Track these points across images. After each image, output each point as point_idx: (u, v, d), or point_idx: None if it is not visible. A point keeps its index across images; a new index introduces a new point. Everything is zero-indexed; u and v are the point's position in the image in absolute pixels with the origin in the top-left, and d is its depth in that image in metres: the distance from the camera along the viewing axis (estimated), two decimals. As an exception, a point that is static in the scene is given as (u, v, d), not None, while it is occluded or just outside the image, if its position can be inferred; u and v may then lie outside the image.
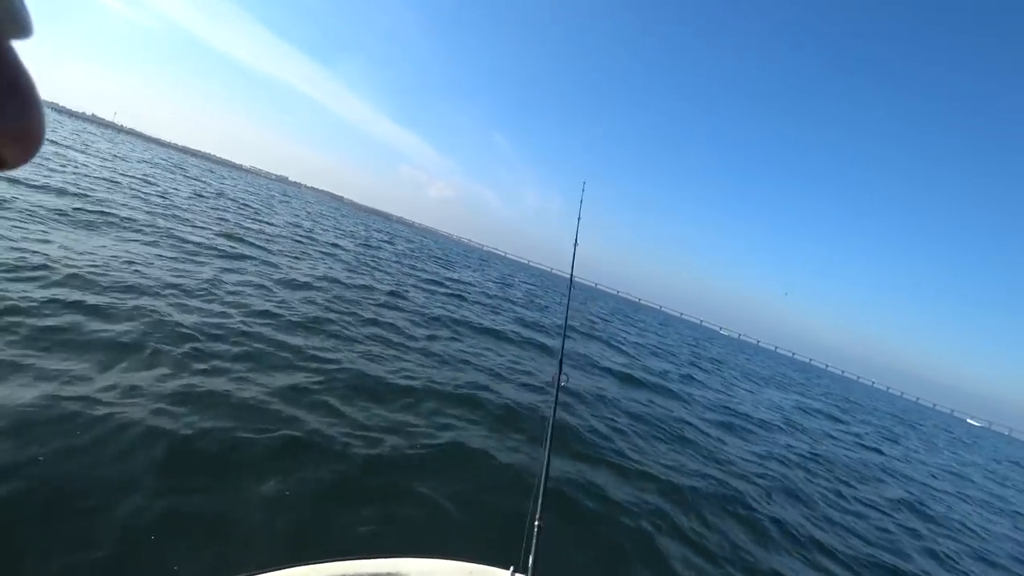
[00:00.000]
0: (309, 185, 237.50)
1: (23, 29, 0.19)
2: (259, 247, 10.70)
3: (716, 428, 7.72)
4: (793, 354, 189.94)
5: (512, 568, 1.59)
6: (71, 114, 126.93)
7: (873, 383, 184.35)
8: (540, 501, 1.70)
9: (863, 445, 11.53)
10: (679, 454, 5.72)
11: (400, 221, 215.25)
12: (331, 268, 11.09)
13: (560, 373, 2.61)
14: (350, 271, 11.70)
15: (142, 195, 12.72)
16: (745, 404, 11.24)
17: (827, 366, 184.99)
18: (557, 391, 2.45)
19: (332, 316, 6.72)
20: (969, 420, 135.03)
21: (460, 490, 3.29)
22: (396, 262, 17.70)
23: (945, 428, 38.09)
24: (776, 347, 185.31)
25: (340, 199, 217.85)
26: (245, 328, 5.05)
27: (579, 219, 4.39)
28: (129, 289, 5.14)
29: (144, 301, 4.91)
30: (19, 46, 0.20)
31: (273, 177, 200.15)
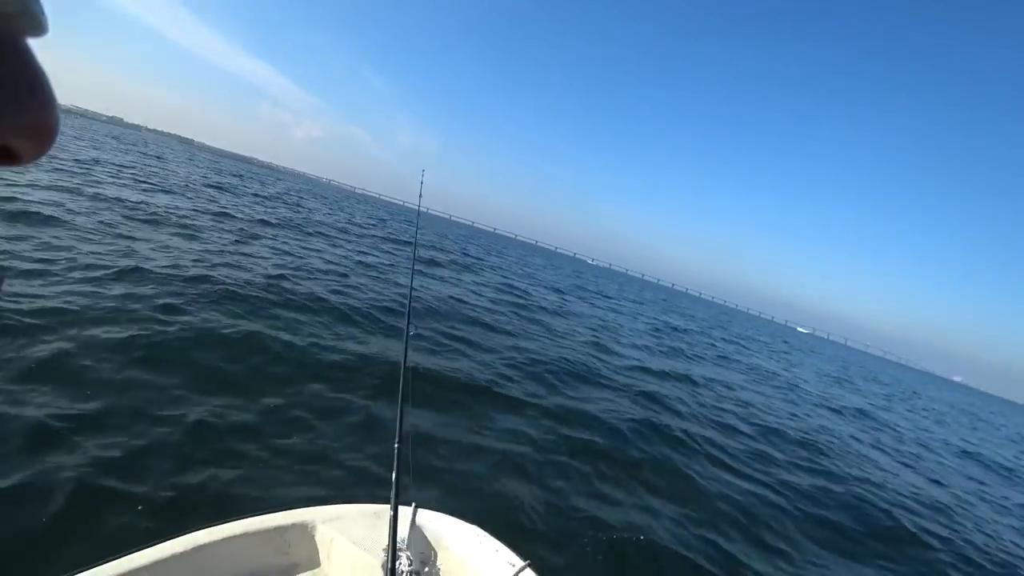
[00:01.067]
0: (151, 128, 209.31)
1: (38, 26, 0.20)
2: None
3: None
4: (643, 276, 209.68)
5: (414, 504, 1.67)
6: None
7: (725, 303, 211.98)
8: (400, 424, 1.75)
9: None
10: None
11: (265, 166, 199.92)
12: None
13: (409, 315, 2.52)
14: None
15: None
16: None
17: (684, 289, 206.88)
18: (408, 330, 2.37)
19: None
20: (799, 328, 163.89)
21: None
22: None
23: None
24: (644, 275, 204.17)
25: (190, 142, 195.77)
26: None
27: (420, 196, 4.56)
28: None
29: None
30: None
31: (103, 119, 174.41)
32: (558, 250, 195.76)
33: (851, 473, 6.11)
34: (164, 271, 5.96)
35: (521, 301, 12.84)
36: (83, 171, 13.43)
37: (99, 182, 11.96)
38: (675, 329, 19.49)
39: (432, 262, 15.83)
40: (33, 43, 0.21)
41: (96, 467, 2.65)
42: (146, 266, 5.92)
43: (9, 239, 5.88)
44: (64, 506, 2.30)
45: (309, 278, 7.99)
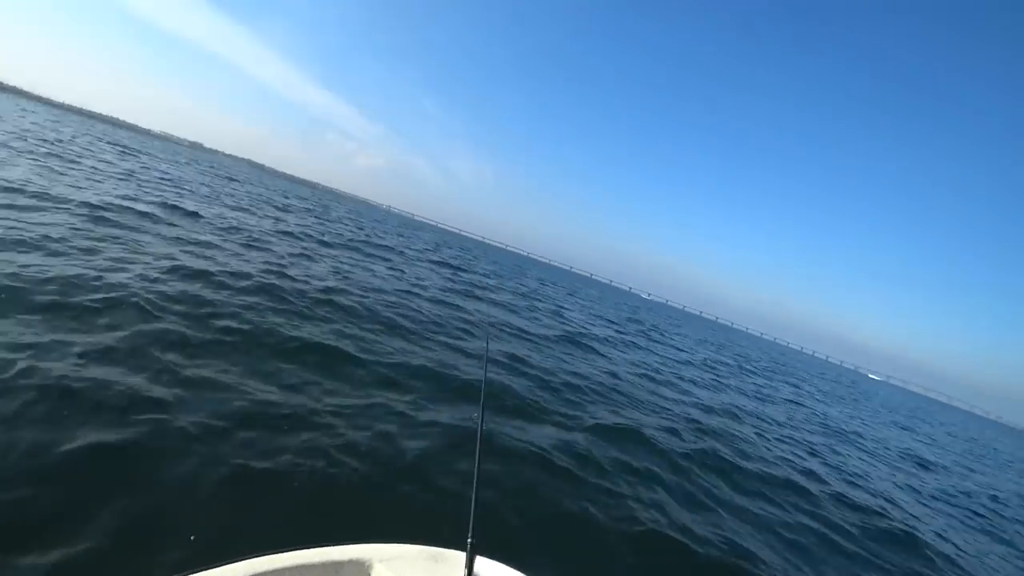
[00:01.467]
0: (227, 152, 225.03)
1: None
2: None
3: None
4: (702, 313, 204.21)
5: (469, 548, 1.65)
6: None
7: (776, 339, 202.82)
8: (477, 478, 1.77)
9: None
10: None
11: (327, 190, 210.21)
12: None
13: (487, 355, 2.60)
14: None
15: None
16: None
17: (746, 328, 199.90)
18: (486, 371, 2.44)
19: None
20: (871, 375, 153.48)
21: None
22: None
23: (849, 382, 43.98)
24: (685, 307, 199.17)
25: (260, 167, 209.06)
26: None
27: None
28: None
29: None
30: None
31: (186, 144, 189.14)
32: (613, 283, 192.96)
33: None
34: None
35: (591, 341, 11.64)
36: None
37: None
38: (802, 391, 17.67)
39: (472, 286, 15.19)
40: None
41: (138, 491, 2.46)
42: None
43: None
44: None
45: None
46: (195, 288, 5.54)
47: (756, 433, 7.87)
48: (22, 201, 7.19)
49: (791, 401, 14.12)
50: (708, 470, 5.31)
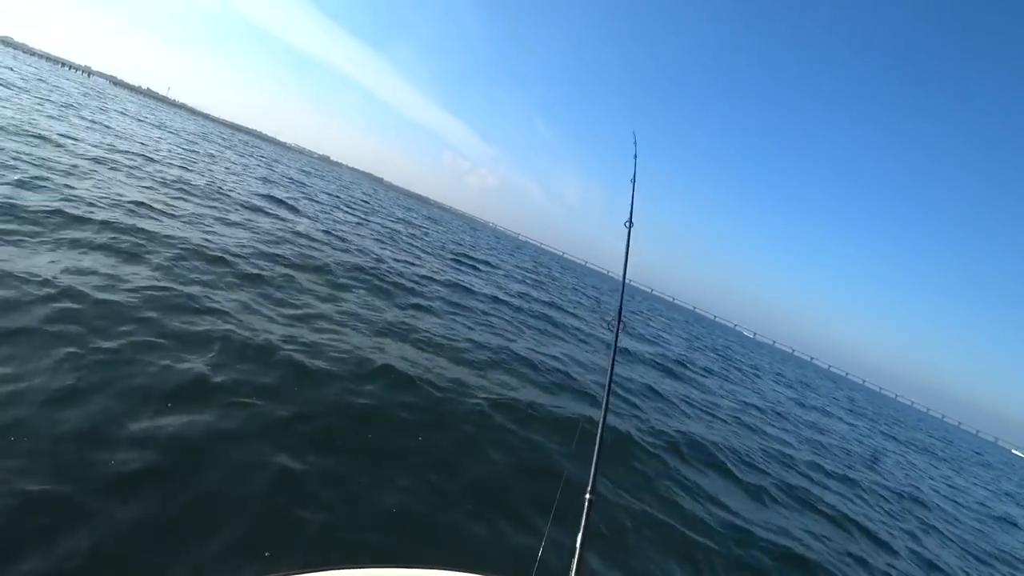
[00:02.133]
0: (350, 166, 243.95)
1: None
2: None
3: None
4: (847, 374, 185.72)
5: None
6: (130, 87, 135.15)
7: (913, 403, 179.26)
8: (593, 475, 1.66)
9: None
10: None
11: (439, 206, 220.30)
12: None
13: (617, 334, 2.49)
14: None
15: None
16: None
17: (864, 381, 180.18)
18: (615, 353, 2.37)
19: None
20: (1015, 451, 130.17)
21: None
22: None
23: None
24: (816, 360, 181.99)
25: (380, 181, 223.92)
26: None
27: (634, 182, 3.46)
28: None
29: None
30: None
31: (316, 156, 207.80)
32: (717, 319, 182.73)
33: None
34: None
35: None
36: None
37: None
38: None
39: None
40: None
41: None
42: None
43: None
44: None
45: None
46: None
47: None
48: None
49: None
50: None
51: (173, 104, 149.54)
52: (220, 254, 6.48)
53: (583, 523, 1.47)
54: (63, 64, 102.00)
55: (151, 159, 12.85)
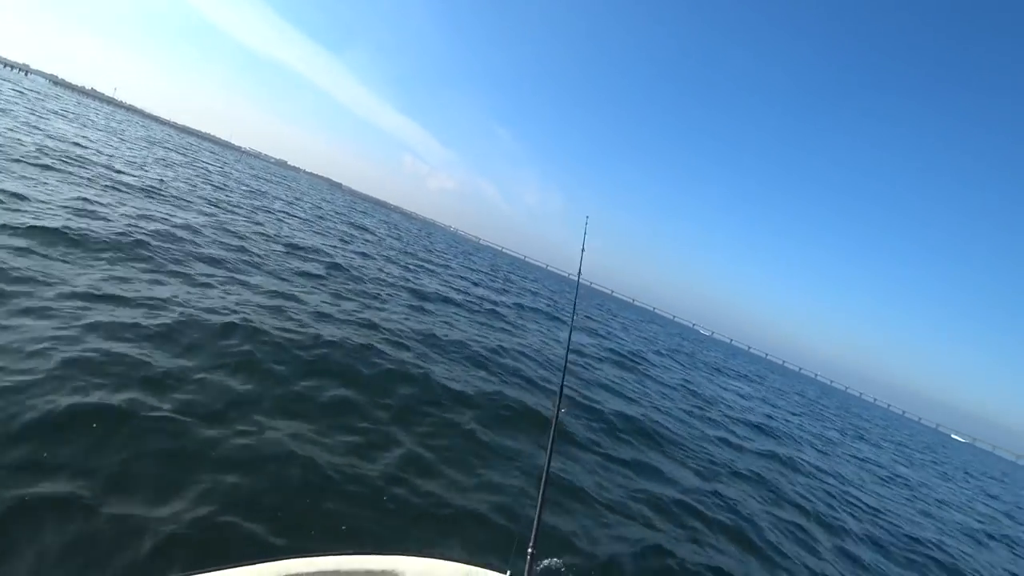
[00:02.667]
0: (308, 170, 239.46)
1: None
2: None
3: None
4: (800, 369, 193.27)
5: (509, 572, 1.64)
6: (72, 88, 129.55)
7: (861, 395, 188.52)
8: (536, 525, 1.71)
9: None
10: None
11: (399, 211, 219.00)
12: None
13: (560, 401, 2.51)
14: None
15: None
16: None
17: (816, 375, 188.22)
18: (558, 409, 2.39)
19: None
20: (953, 435, 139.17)
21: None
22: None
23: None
24: (771, 356, 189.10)
25: (338, 186, 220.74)
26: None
27: (583, 250, 4.88)
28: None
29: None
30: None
31: (272, 160, 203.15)
32: (676, 319, 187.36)
33: None
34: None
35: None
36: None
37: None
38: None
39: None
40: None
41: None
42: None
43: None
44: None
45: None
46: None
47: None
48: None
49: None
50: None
51: (120, 105, 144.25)
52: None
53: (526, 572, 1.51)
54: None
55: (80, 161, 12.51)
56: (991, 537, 9.56)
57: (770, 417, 13.68)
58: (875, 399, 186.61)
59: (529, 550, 1.63)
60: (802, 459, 9.36)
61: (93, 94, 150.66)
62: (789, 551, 4.89)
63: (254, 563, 1.49)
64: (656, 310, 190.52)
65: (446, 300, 11.36)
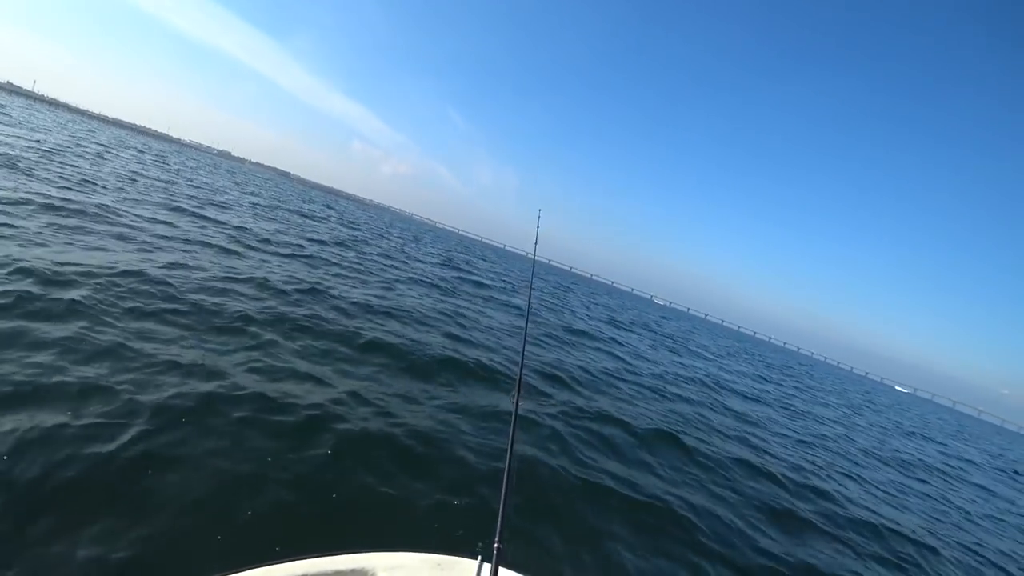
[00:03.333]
0: (254, 161, 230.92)
1: None
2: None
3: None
4: (723, 321, 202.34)
5: (480, 557, 1.61)
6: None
7: (813, 354, 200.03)
8: (505, 491, 1.66)
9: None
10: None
11: (351, 198, 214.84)
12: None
13: (520, 385, 2.54)
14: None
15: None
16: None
17: (755, 333, 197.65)
18: (517, 401, 2.34)
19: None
20: (897, 387, 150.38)
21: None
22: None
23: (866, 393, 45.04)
24: (707, 315, 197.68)
25: (287, 175, 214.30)
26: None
27: (536, 242, 5.64)
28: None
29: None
30: None
31: (215, 152, 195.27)
32: (634, 291, 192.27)
33: None
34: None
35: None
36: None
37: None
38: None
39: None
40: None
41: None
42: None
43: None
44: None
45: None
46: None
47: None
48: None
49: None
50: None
51: (41, 99, 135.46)
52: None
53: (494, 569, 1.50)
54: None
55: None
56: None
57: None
58: (826, 358, 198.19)
59: (496, 545, 1.55)
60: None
61: (9, 88, 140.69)
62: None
63: (220, 574, 1.46)
64: (615, 284, 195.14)
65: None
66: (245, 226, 13.98)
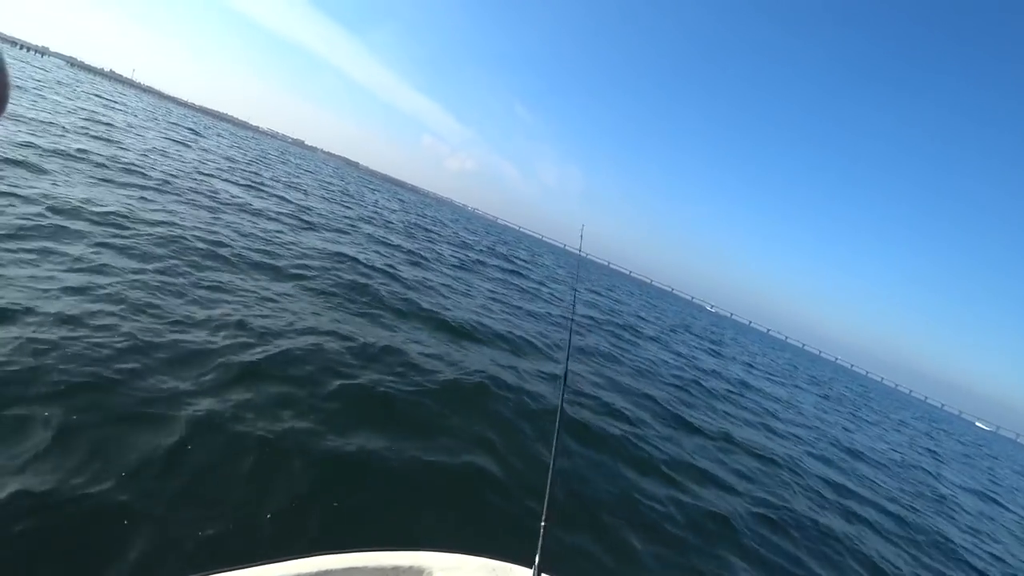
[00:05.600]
0: (325, 150, 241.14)
1: None
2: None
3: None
4: (804, 345, 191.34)
5: (537, 564, 1.57)
6: (90, 69, 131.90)
7: (883, 380, 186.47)
8: (548, 499, 1.72)
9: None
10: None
11: (415, 190, 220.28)
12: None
13: (566, 371, 2.61)
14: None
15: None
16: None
17: (836, 359, 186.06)
18: (564, 389, 2.44)
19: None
20: (978, 423, 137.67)
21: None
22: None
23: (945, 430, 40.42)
24: (796, 341, 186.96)
25: (355, 165, 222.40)
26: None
27: (580, 251, 6.44)
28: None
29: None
30: None
31: (290, 140, 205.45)
32: (694, 299, 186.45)
33: None
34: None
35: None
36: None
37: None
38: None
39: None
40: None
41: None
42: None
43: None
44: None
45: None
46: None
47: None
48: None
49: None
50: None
51: (139, 87, 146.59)
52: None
53: (539, 549, 1.51)
54: (18, 45, 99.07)
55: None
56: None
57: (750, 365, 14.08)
58: (883, 379, 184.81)
59: (542, 523, 1.60)
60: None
61: (112, 76, 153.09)
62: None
63: (282, 559, 1.49)
64: (653, 282, 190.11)
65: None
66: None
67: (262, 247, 7.77)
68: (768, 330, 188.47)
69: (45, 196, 6.21)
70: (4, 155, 7.49)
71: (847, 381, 51.70)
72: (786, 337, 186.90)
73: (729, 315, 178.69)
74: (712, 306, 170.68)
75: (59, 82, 29.03)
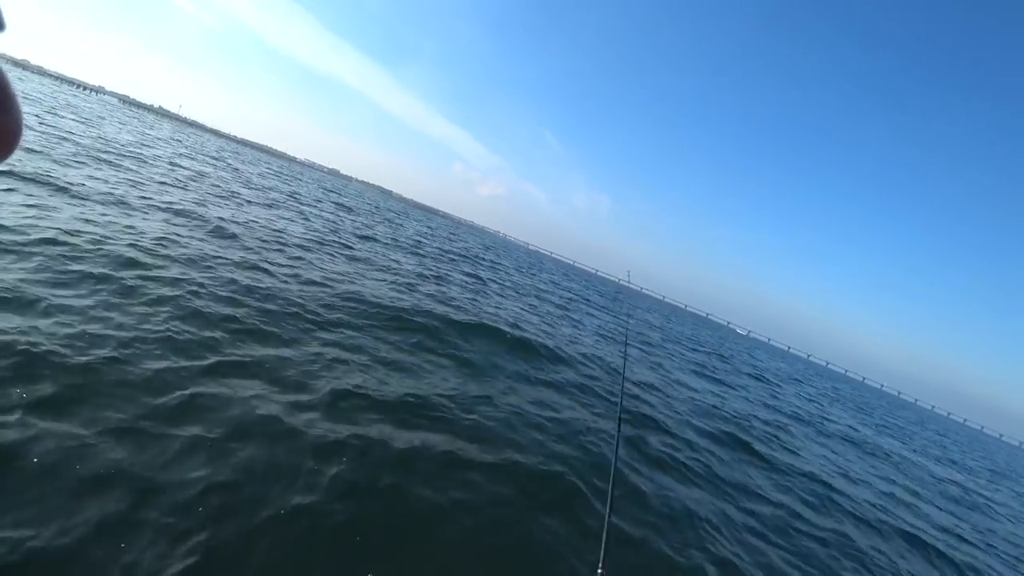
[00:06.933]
0: (360, 179, 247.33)
1: None
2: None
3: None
4: (847, 371, 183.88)
5: None
6: (140, 106, 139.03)
7: (934, 408, 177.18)
8: (604, 548, 1.70)
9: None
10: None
11: (447, 217, 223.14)
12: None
13: (620, 416, 2.65)
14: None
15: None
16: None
17: (882, 385, 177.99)
18: (619, 428, 2.44)
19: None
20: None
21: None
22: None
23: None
24: (838, 367, 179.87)
25: (389, 193, 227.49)
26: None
27: (628, 280, 7.44)
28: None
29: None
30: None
31: (326, 170, 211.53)
32: (731, 325, 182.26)
33: None
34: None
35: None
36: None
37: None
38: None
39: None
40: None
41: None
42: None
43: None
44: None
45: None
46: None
47: None
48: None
49: None
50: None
51: (184, 121, 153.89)
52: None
53: None
54: (77, 85, 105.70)
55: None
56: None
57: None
58: (933, 406, 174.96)
59: (599, 571, 1.58)
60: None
61: (161, 111, 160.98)
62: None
63: None
64: (688, 307, 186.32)
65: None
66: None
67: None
68: (809, 355, 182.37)
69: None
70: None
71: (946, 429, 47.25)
72: (827, 363, 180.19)
73: (767, 340, 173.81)
74: (747, 331, 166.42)
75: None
